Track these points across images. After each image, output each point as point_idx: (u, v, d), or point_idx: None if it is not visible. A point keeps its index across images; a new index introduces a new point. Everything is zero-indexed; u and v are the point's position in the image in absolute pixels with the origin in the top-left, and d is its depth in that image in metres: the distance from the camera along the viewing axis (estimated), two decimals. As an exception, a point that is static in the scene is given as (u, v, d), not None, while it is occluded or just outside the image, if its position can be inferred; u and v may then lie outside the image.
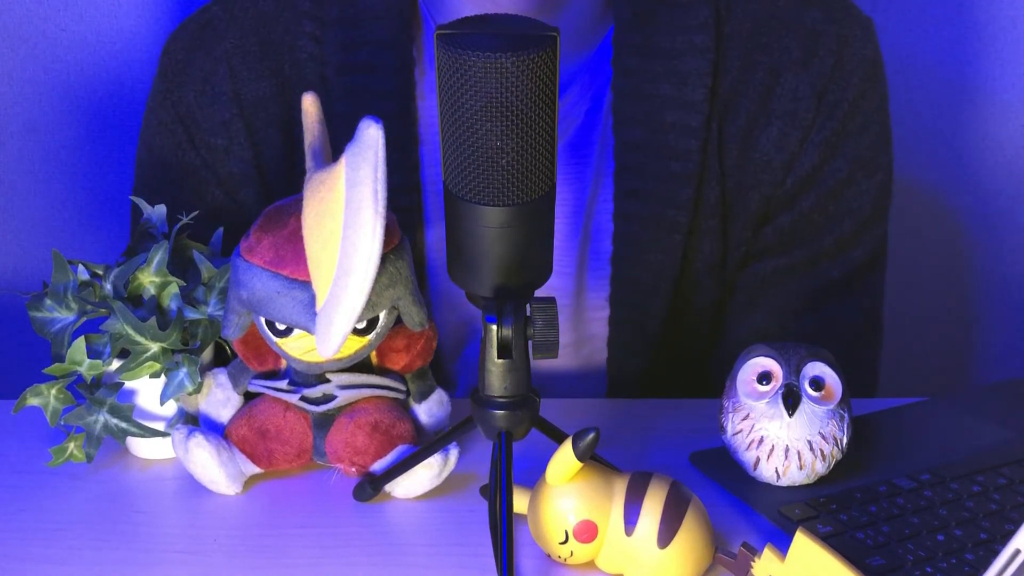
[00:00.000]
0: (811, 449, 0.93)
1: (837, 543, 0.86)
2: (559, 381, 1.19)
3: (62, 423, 0.97)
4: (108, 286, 0.98)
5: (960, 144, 1.52)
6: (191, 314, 0.98)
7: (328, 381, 0.95)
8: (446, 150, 0.82)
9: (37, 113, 1.45)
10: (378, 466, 0.95)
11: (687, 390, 1.22)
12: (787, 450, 0.93)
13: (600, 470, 0.86)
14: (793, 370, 0.93)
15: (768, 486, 0.95)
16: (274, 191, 1.14)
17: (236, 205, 1.15)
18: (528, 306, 0.85)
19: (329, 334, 0.85)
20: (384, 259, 0.88)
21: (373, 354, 0.98)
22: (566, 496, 0.84)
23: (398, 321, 0.95)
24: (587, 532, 0.84)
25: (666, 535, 0.83)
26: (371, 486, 0.94)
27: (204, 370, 0.99)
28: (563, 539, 0.84)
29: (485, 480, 0.95)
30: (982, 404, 1.07)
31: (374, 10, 1.12)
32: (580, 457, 0.82)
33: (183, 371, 0.96)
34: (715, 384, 1.24)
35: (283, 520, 0.93)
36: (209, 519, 0.93)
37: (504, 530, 0.82)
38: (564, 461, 0.83)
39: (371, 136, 0.82)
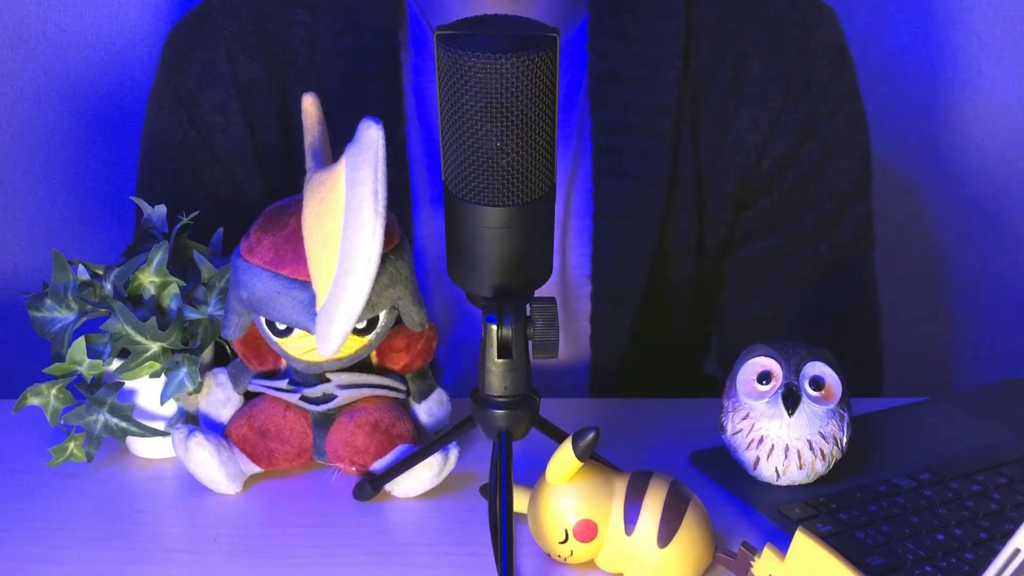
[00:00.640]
0: (811, 448, 0.93)
1: (837, 542, 0.86)
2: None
3: (62, 423, 0.97)
4: (108, 286, 0.98)
5: (960, 144, 1.52)
6: (191, 314, 0.98)
7: (328, 381, 0.95)
8: (446, 150, 0.82)
9: (37, 113, 1.45)
10: (378, 466, 0.95)
11: (672, 371, 1.27)
12: (787, 450, 0.93)
13: (600, 470, 0.86)
14: (793, 370, 0.93)
15: (768, 486, 0.95)
16: (270, 172, 1.19)
17: (235, 183, 1.19)
18: (528, 306, 0.85)
19: (329, 334, 0.85)
20: (384, 259, 0.88)
21: (373, 354, 0.98)
22: (566, 496, 0.84)
23: (398, 321, 0.95)
24: (587, 531, 0.84)
25: (666, 534, 0.83)
26: (371, 486, 0.94)
27: (204, 370, 0.99)
28: (563, 538, 0.85)
29: (485, 480, 0.95)
30: (982, 404, 1.07)
31: None
32: (580, 457, 0.82)
33: (183, 371, 0.96)
34: (720, 367, 1.27)
35: (283, 520, 0.93)
36: (209, 519, 0.93)
37: (504, 530, 0.82)
38: (564, 461, 0.83)
39: (371, 136, 0.82)
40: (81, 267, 0.99)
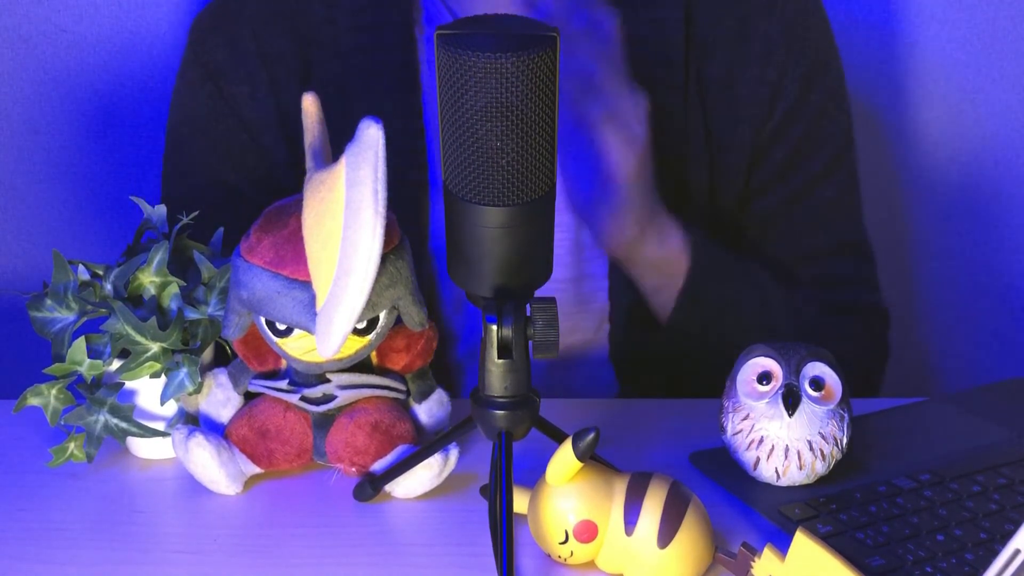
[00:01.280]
0: (811, 449, 0.93)
1: (837, 543, 0.86)
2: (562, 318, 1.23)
3: (62, 423, 0.97)
4: (108, 286, 0.98)
5: (960, 144, 1.52)
6: (191, 314, 0.98)
7: (328, 381, 0.95)
8: (446, 150, 0.82)
9: (37, 113, 1.45)
10: (378, 466, 0.95)
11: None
12: (787, 450, 0.93)
13: (600, 470, 0.86)
14: (793, 370, 0.93)
15: (768, 486, 0.95)
16: (295, 137, 1.21)
17: (259, 150, 1.23)
18: (528, 306, 0.85)
19: (329, 334, 0.85)
20: (384, 259, 0.88)
21: (373, 354, 0.98)
22: (566, 496, 0.84)
23: (398, 321, 0.95)
24: (587, 532, 0.84)
25: (666, 535, 0.83)
26: (371, 486, 0.94)
27: (204, 370, 0.99)
28: (563, 539, 0.84)
29: (485, 480, 0.95)
30: (982, 404, 1.07)
31: None
32: (580, 457, 0.82)
33: (183, 371, 0.96)
34: None
35: (283, 520, 0.93)
36: (209, 519, 0.93)
37: (504, 530, 0.82)
38: (564, 461, 0.83)
39: (371, 136, 0.82)
40: (81, 267, 0.99)
